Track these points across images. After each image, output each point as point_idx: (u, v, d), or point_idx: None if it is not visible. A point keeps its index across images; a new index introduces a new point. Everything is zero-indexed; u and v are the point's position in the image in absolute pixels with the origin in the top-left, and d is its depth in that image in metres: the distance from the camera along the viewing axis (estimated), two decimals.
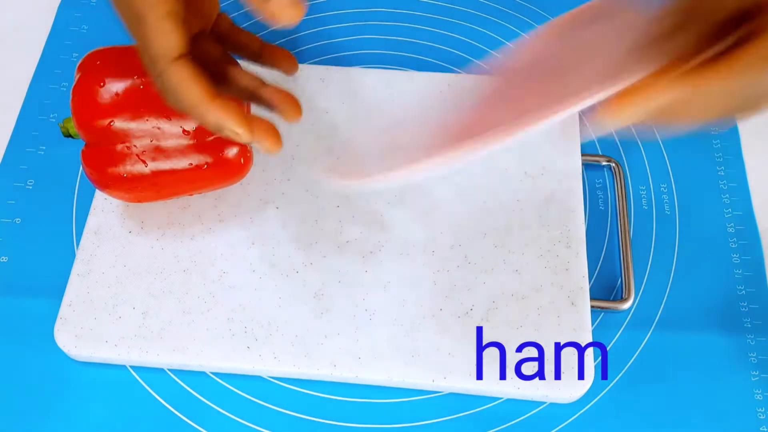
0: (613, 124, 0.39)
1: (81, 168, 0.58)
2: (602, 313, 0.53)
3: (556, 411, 0.49)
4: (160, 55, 0.40)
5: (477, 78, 0.60)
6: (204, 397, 0.50)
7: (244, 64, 0.59)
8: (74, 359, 0.50)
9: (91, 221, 0.54)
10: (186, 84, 0.41)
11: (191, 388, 0.50)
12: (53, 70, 0.63)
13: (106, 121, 0.47)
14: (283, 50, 0.50)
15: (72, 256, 0.53)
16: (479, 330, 0.50)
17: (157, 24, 0.40)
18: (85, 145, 0.49)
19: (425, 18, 0.65)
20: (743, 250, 0.55)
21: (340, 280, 0.52)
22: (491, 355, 0.49)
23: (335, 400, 0.50)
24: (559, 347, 0.50)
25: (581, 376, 0.49)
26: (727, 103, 0.37)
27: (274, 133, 0.44)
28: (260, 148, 0.44)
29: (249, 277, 0.52)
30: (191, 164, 0.49)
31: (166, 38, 0.40)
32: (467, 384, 0.49)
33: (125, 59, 0.48)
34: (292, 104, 0.46)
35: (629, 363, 0.51)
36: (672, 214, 0.56)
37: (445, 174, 0.56)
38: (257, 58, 0.49)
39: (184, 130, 0.48)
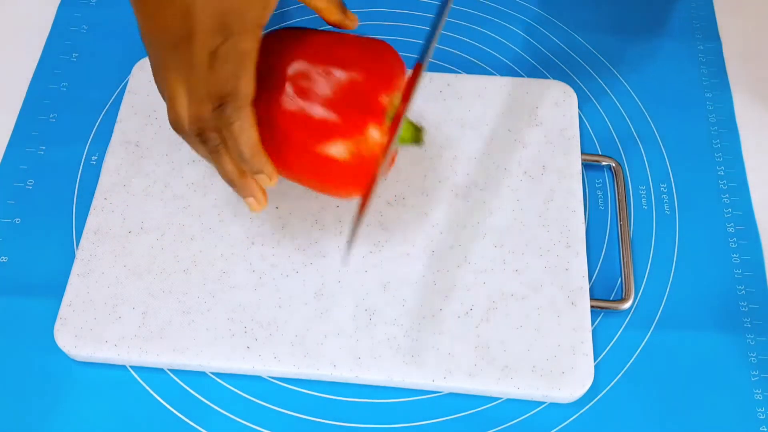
0: None
1: (81, 168, 0.58)
2: (602, 313, 0.53)
3: (556, 411, 0.49)
4: (243, 96, 0.44)
5: (476, 78, 0.60)
6: (204, 397, 0.50)
7: None
8: (74, 359, 0.50)
9: (91, 221, 0.54)
10: (253, 127, 0.45)
11: (191, 388, 0.50)
12: (53, 70, 0.63)
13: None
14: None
15: (72, 256, 0.53)
16: (479, 330, 0.50)
17: (251, 68, 0.45)
18: None
19: (425, 18, 0.65)
20: (743, 250, 0.55)
21: (340, 280, 0.52)
22: (491, 355, 0.49)
23: (335, 400, 0.50)
24: (559, 347, 0.50)
25: (581, 376, 0.49)
26: None
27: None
28: (249, 203, 0.49)
29: (249, 277, 0.52)
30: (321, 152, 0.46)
31: (251, 83, 0.44)
32: (467, 384, 0.49)
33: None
34: (258, 201, 0.49)
35: (629, 363, 0.51)
36: (672, 214, 0.56)
37: (444, 174, 0.56)
38: None
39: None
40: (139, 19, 0.45)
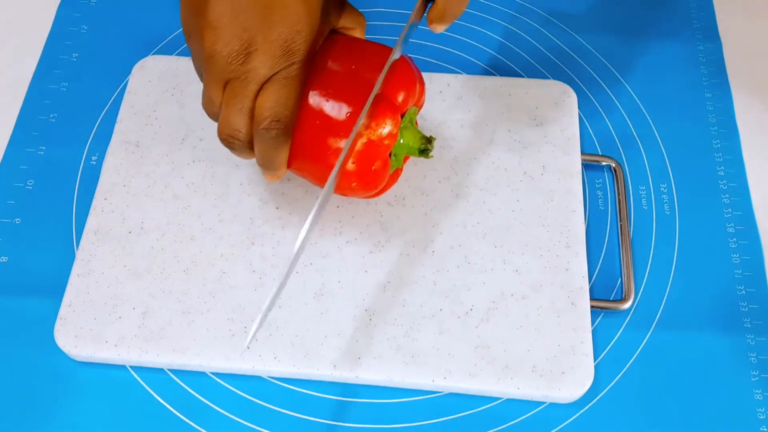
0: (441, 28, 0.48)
1: (81, 168, 0.58)
2: (602, 313, 0.53)
3: (556, 411, 0.49)
4: (290, 124, 0.45)
5: (476, 78, 0.60)
6: (204, 397, 0.50)
7: None
8: (74, 359, 0.50)
9: (91, 221, 0.54)
10: (287, 147, 0.46)
11: (191, 388, 0.50)
12: (53, 70, 0.63)
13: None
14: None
15: (72, 256, 0.53)
16: (479, 330, 0.50)
17: (300, 94, 0.45)
18: None
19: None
20: (743, 250, 0.55)
21: (340, 280, 0.52)
22: (491, 355, 0.49)
23: (335, 400, 0.50)
24: (559, 347, 0.50)
25: (581, 376, 0.49)
26: None
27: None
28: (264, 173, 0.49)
29: (249, 277, 0.52)
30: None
31: (298, 109, 0.46)
32: (467, 384, 0.49)
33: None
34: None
35: (629, 363, 0.51)
36: (672, 214, 0.56)
37: (444, 174, 0.56)
38: None
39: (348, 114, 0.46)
40: (189, 20, 0.45)
